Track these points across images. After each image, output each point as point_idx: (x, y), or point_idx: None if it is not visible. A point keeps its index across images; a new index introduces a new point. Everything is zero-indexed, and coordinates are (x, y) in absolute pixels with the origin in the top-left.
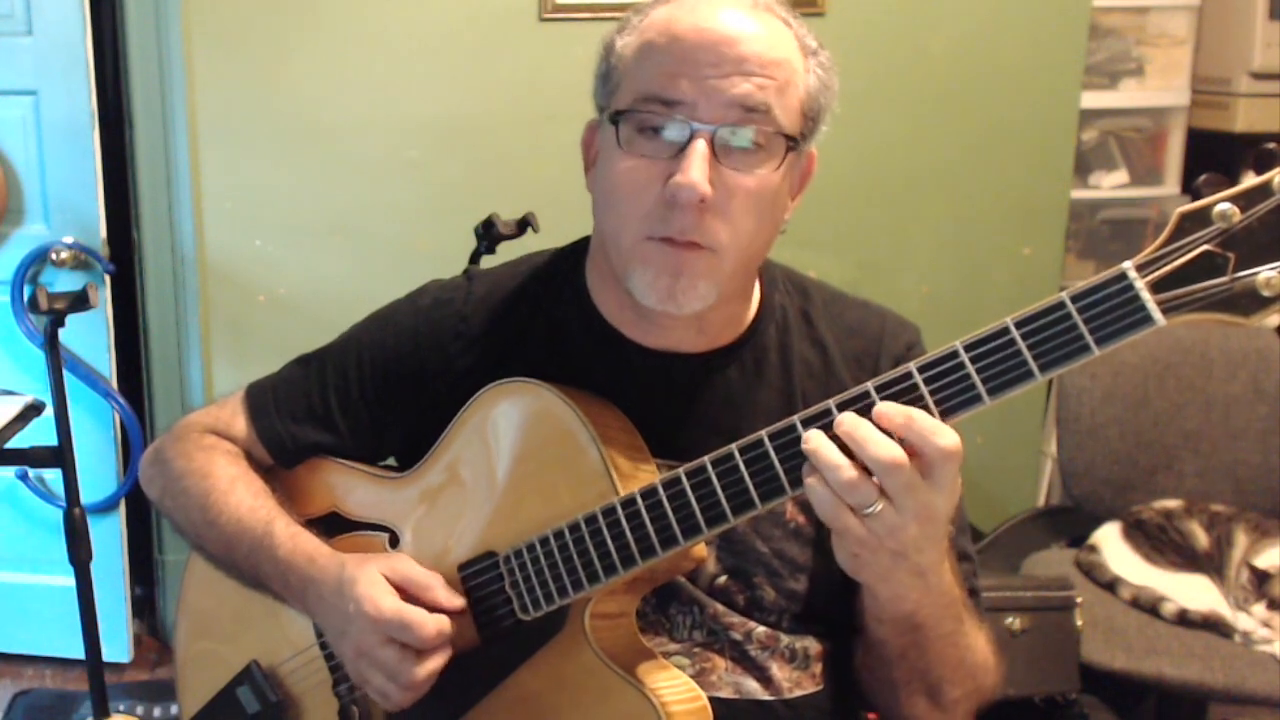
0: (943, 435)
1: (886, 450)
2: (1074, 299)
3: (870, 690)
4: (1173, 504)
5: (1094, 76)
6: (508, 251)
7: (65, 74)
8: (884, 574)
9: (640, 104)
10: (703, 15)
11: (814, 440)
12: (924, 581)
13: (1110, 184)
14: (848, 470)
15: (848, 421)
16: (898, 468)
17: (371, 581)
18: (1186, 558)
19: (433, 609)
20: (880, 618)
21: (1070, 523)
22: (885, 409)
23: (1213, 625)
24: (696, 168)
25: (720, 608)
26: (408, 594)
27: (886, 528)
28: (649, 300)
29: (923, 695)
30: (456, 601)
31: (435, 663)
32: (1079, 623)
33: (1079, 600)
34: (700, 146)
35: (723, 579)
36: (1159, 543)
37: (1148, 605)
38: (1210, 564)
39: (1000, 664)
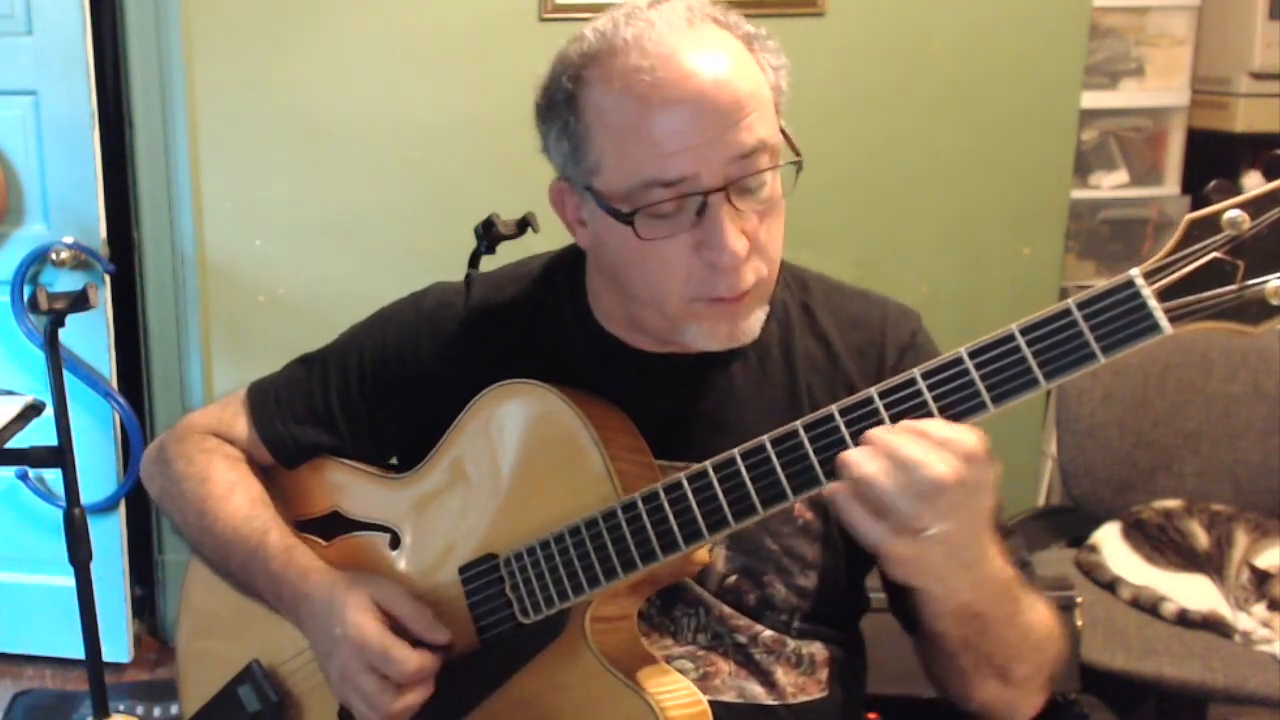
0: (964, 440)
1: (941, 469)
2: (1080, 306)
3: (941, 681)
4: (1173, 504)
5: (1094, 76)
6: (508, 251)
7: (65, 74)
8: (940, 576)
9: (641, 193)
10: (668, 74)
11: (868, 466)
12: (975, 573)
13: (1110, 184)
14: (915, 503)
15: (886, 441)
16: (946, 486)
17: (361, 607)
18: (1186, 558)
19: (419, 641)
20: (938, 613)
21: (1070, 523)
22: (902, 429)
23: (1213, 625)
24: (729, 234)
25: (727, 610)
26: (396, 624)
27: (936, 538)
28: (710, 347)
29: (993, 678)
30: (441, 635)
31: (413, 698)
32: (1079, 623)
33: (1079, 600)
34: (722, 213)
35: (733, 578)
36: (1159, 543)
37: (1148, 605)
38: (1210, 564)
39: (1065, 629)
